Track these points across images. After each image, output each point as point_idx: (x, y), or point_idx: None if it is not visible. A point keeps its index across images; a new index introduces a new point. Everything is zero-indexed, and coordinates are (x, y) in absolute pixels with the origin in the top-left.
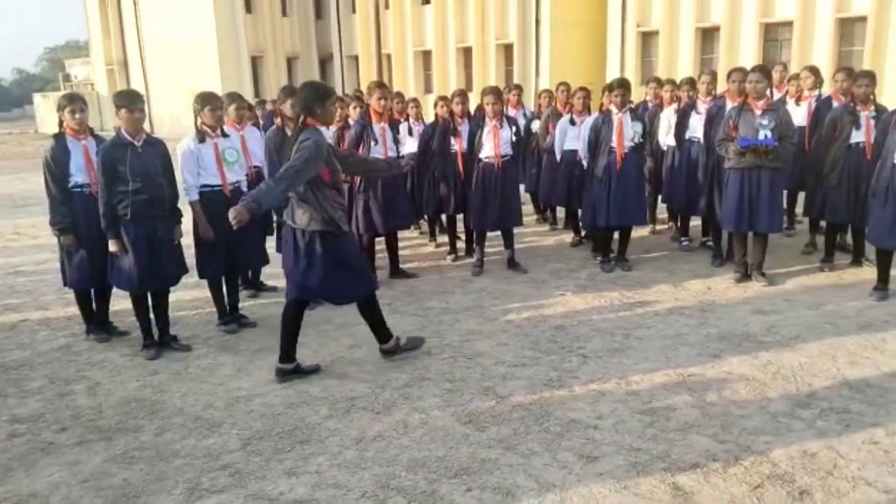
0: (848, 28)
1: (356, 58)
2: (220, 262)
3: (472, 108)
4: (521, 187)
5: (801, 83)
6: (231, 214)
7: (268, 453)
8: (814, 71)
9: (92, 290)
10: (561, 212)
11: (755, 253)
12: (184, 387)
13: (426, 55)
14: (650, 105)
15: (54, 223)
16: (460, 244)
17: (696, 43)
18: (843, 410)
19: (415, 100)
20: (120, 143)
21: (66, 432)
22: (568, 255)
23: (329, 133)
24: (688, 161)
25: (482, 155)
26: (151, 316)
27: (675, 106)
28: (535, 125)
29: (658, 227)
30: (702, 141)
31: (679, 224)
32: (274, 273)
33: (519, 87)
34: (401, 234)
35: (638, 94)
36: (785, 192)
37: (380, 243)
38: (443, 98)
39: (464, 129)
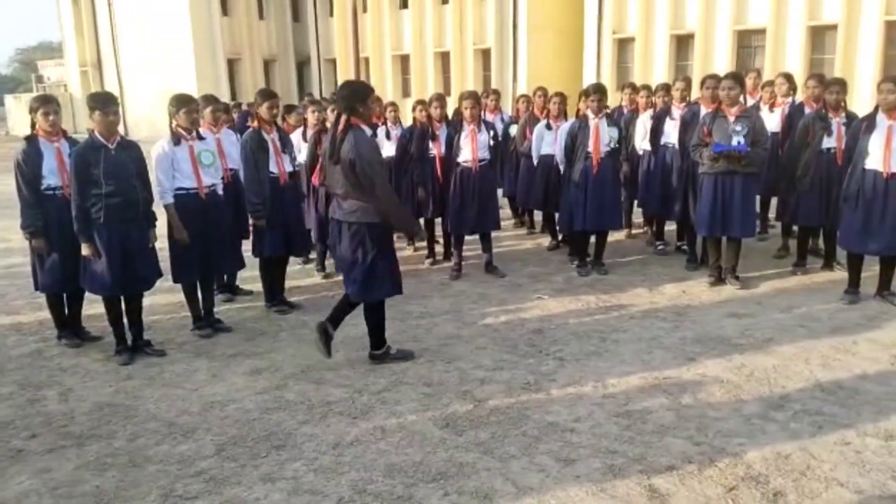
0: (819, 36)
1: (334, 61)
2: (195, 266)
3: (450, 112)
4: (499, 192)
5: (776, 89)
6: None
7: (243, 459)
8: (788, 78)
9: (64, 295)
10: (538, 216)
11: (729, 257)
12: (157, 392)
13: (404, 59)
14: (626, 110)
15: (26, 226)
16: (438, 248)
17: (670, 49)
18: (815, 412)
19: (392, 104)
20: (93, 145)
21: (36, 439)
22: (545, 259)
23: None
24: (663, 166)
25: (460, 159)
26: (125, 320)
27: (650, 112)
28: (513, 130)
29: (634, 231)
30: (676, 146)
31: (654, 228)
32: (250, 277)
33: (497, 92)
34: None
35: (614, 100)
36: (758, 197)
37: None
38: (421, 102)
39: (442, 133)
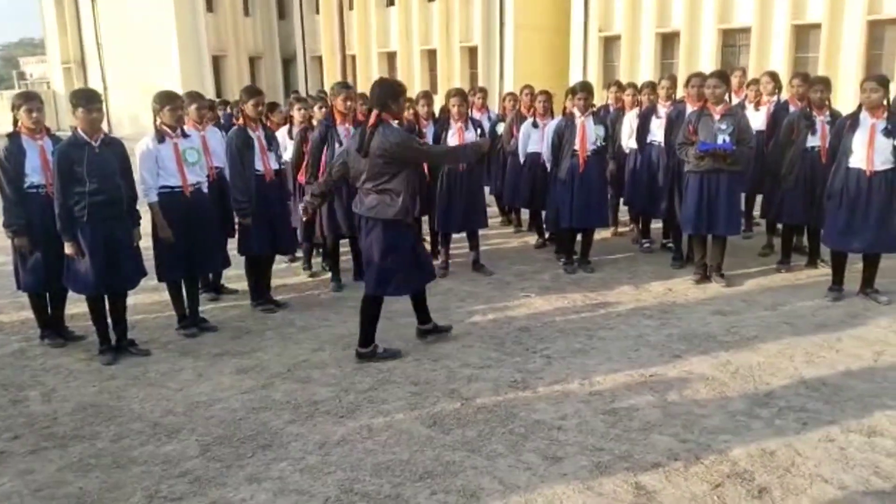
0: (803, 35)
1: (320, 58)
2: (180, 264)
3: (437, 110)
4: (486, 189)
5: (761, 88)
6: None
7: (228, 459)
8: (773, 76)
9: (47, 294)
10: (525, 214)
11: (714, 255)
12: (142, 392)
13: (391, 56)
14: (612, 109)
15: (8, 225)
16: (426, 246)
17: (656, 48)
18: (800, 409)
19: None
20: (77, 142)
21: (19, 440)
22: (532, 257)
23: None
24: (649, 164)
25: None
26: (109, 320)
27: (636, 110)
28: (500, 128)
29: (620, 229)
30: (662, 144)
31: (640, 226)
32: (235, 275)
33: (484, 90)
34: None
35: (600, 98)
36: (743, 195)
37: (344, 245)
38: (408, 100)
39: (429, 130)
